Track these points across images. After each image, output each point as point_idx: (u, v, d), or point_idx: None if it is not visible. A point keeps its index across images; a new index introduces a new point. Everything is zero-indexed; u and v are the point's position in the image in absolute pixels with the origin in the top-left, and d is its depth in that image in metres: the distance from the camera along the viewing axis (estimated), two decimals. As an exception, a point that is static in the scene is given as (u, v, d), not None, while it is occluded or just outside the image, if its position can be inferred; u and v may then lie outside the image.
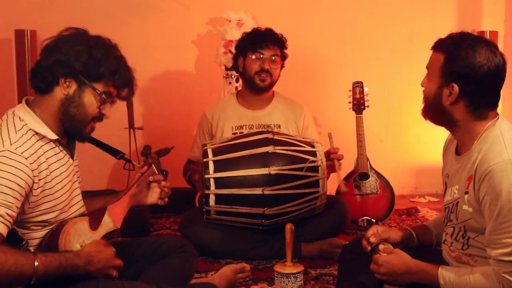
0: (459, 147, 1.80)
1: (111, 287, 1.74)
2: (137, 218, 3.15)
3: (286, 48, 3.02)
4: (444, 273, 1.70)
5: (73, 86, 1.75)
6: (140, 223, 3.17)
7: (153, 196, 2.03)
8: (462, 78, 1.65)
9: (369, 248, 1.89)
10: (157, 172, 2.02)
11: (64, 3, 3.74)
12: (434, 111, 1.75)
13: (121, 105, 3.51)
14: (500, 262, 1.58)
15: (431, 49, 1.75)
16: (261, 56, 2.91)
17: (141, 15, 3.83)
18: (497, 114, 1.72)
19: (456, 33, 1.72)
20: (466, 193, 1.68)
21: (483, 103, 1.68)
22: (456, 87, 1.66)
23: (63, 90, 1.74)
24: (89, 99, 1.77)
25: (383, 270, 1.78)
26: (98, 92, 1.77)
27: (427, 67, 1.77)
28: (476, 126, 1.69)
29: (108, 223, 1.87)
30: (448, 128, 1.80)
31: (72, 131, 1.81)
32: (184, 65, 3.94)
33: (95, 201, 2.04)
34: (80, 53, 1.73)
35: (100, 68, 1.75)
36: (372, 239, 1.90)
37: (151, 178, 2.01)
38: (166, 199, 2.05)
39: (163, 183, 2.03)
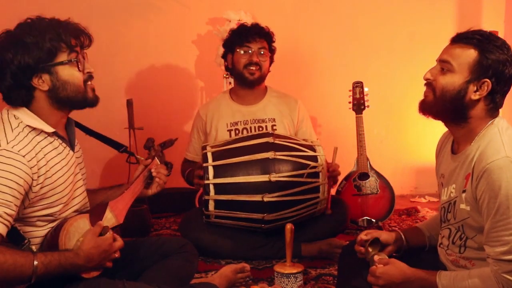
0: (455, 146, 1.78)
1: (112, 287, 1.74)
2: (137, 218, 3.15)
3: (273, 42, 3.00)
4: (442, 280, 1.69)
5: (46, 76, 1.71)
6: (140, 223, 3.17)
7: (154, 187, 2.07)
8: (496, 74, 1.64)
9: (362, 249, 1.88)
10: (159, 164, 2.04)
11: (64, 3, 3.73)
12: (448, 105, 1.69)
13: (121, 106, 3.54)
14: (500, 262, 1.58)
15: (453, 42, 1.70)
16: (249, 50, 2.91)
17: (141, 15, 3.83)
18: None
19: (480, 30, 1.70)
20: (464, 191, 1.67)
21: (501, 103, 1.69)
22: (489, 83, 1.64)
23: (42, 87, 1.71)
24: (67, 73, 1.73)
25: (382, 282, 1.75)
26: (66, 61, 1.72)
27: (446, 60, 1.69)
28: (479, 124, 1.68)
29: (110, 218, 1.85)
30: (453, 124, 1.75)
31: (78, 104, 1.79)
32: (184, 65, 3.94)
33: (98, 195, 2.04)
34: (24, 46, 1.67)
35: (49, 44, 1.69)
36: (364, 236, 1.89)
37: (153, 171, 2.03)
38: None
39: (164, 176, 2.05)
